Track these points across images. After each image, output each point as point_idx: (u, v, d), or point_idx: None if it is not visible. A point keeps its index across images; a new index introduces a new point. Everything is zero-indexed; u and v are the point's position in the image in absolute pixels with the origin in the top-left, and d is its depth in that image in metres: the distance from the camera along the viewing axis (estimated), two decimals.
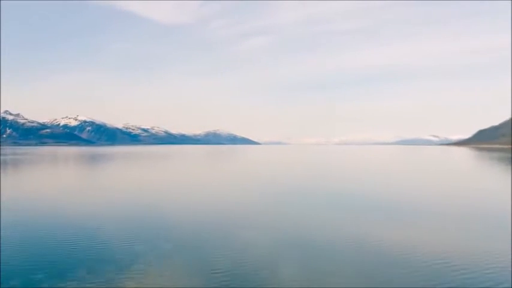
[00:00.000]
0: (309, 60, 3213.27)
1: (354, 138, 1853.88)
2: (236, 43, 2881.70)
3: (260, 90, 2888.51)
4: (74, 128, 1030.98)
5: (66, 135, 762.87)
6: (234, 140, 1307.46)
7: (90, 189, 43.02)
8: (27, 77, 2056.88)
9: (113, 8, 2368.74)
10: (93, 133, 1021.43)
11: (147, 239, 20.13)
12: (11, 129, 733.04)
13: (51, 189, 43.31)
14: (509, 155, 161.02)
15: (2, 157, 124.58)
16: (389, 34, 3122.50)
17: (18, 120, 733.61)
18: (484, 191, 43.31)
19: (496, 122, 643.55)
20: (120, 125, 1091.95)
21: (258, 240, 20.12)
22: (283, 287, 14.02)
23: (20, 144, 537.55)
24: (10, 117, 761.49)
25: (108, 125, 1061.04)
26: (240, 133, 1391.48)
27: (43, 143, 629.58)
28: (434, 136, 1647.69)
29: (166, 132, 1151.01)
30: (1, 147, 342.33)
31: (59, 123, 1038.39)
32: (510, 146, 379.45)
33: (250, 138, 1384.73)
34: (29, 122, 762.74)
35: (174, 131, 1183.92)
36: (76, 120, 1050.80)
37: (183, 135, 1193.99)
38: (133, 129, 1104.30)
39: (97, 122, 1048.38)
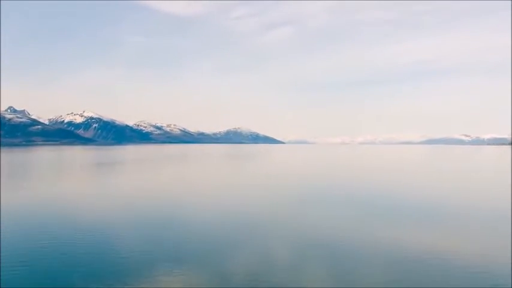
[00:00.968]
0: (336, 55, 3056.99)
1: (379, 138, 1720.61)
2: (258, 35, 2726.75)
3: (284, 87, 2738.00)
4: (79, 125, 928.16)
5: (60, 132, 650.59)
6: (256, 138, 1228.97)
7: None
8: (41, 75, 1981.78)
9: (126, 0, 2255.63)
10: (99, 131, 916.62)
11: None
12: None
13: None
14: None
15: None
16: (418, 28, 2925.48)
17: (5, 116, 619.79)
18: None
19: None
20: (130, 122, 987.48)
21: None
22: (298, 287, 14.81)
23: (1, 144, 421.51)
24: None
25: (117, 122, 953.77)
26: (262, 131, 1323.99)
27: (30, 142, 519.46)
28: (466, 135, 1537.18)
29: (183, 130, 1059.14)
30: None
31: (63, 120, 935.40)
32: None
33: (274, 137, 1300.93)
34: (17, 117, 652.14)
35: (192, 129, 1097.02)
36: (82, 116, 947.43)
37: (201, 134, 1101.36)
38: (145, 127, 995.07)
39: (104, 119, 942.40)
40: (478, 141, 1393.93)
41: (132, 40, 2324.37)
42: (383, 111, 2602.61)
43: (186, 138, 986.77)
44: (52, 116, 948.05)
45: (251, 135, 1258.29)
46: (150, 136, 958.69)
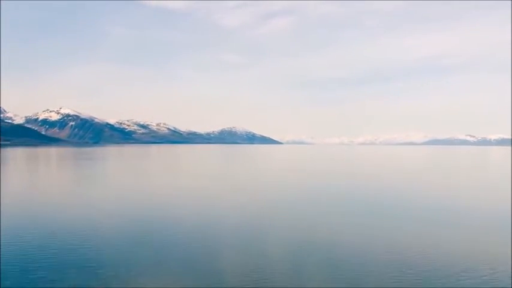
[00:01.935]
0: (335, 51, 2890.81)
1: (379, 138, 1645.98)
2: (254, 27, 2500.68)
3: (282, 84, 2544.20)
4: (54, 123, 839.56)
5: (17, 130, 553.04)
6: (252, 138, 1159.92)
7: None
8: (23, 72, 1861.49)
9: None
10: (76, 129, 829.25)
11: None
12: None
13: None
14: None
15: None
16: (424, 22, 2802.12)
17: None
18: None
19: None
20: (112, 120, 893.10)
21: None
22: (295, 287, 15.04)
23: None
24: None
25: (97, 120, 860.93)
26: (259, 131, 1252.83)
27: None
28: (471, 136, 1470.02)
29: (173, 129, 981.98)
30: None
31: (38, 118, 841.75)
32: None
33: (271, 137, 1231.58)
34: None
35: (184, 128, 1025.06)
36: (58, 113, 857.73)
37: (193, 133, 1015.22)
38: (128, 125, 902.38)
39: (82, 116, 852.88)
40: (485, 142, 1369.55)
41: (119, 34, 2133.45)
42: (384, 110, 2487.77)
43: (174, 138, 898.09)
44: (30, 114, 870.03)
45: (247, 135, 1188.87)
46: (133, 136, 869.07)
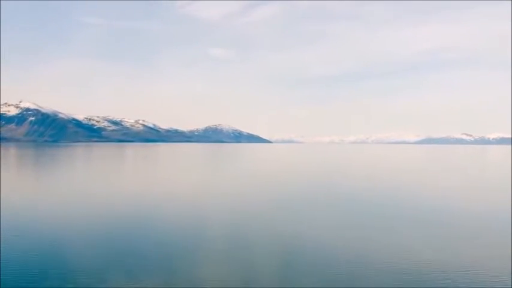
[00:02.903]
0: (327, 45, 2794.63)
1: (371, 137, 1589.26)
2: (240, 16, 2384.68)
3: (269, 80, 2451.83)
4: (12, 118, 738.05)
5: None
6: (238, 137, 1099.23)
7: None
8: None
9: None
10: (36, 125, 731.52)
11: None
12: None
13: None
14: None
15: None
16: (420, 13, 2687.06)
17: None
18: None
19: None
20: (80, 116, 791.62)
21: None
22: (284, 287, 15.12)
23: None
24: None
25: (61, 116, 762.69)
26: (246, 129, 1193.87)
27: None
28: (467, 135, 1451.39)
29: (151, 126, 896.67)
30: None
31: None
32: None
33: (260, 135, 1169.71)
34: None
35: (164, 125, 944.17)
36: (17, 107, 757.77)
37: (173, 131, 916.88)
38: (97, 121, 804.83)
39: (43, 111, 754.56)
40: (483, 141, 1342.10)
41: (94, 24, 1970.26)
42: (378, 108, 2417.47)
43: (150, 135, 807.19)
44: None
45: (233, 133, 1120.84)
46: (102, 133, 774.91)
